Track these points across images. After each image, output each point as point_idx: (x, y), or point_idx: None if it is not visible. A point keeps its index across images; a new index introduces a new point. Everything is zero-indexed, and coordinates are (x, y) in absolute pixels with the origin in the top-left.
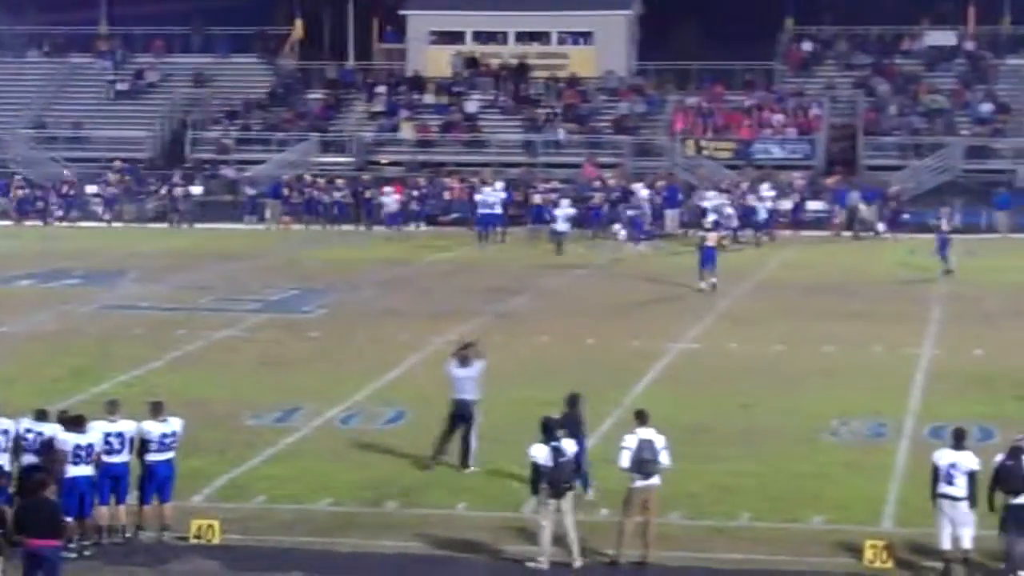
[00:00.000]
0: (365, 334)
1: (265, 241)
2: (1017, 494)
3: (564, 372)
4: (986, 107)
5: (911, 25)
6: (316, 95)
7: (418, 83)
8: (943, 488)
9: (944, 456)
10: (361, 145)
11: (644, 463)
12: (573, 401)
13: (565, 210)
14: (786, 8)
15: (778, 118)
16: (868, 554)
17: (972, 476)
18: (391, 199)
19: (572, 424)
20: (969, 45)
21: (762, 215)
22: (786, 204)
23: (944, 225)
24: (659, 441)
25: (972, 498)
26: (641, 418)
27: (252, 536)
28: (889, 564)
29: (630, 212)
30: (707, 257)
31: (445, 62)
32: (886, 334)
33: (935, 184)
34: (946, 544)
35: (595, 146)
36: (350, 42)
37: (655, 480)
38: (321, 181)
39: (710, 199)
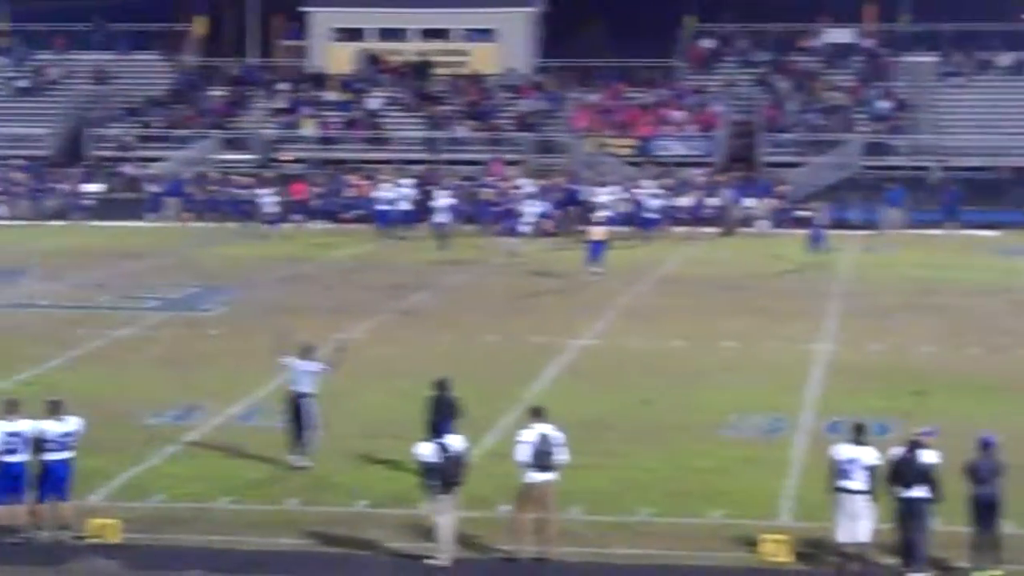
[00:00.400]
0: (266, 332)
1: (166, 239)
2: (910, 487)
3: (465, 369)
4: (884, 104)
5: (810, 23)
6: (218, 92)
7: (320, 80)
8: (841, 482)
9: (842, 450)
10: (263, 142)
11: (543, 457)
12: (442, 385)
13: (444, 201)
14: (687, 6)
15: (679, 115)
16: (765, 549)
17: (871, 470)
18: (269, 199)
19: (446, 407)
20: (867, 42)
21: (652, 212)
22: (684, 201)
23: (818, 220)
24: (556, 437)
25: (871, 492)
26: (537, 414)
27: (152, 535)
28: (787, 558)
29: (508, 208)
30: (595, 251)
31: (347, 59)
32: (784, 330)
33: (834, 180)
34: (842, 537)
35: (497, 143)
36: (252, 39)
37: (552, 475)
38: (248, 179)
39: (601, 195)
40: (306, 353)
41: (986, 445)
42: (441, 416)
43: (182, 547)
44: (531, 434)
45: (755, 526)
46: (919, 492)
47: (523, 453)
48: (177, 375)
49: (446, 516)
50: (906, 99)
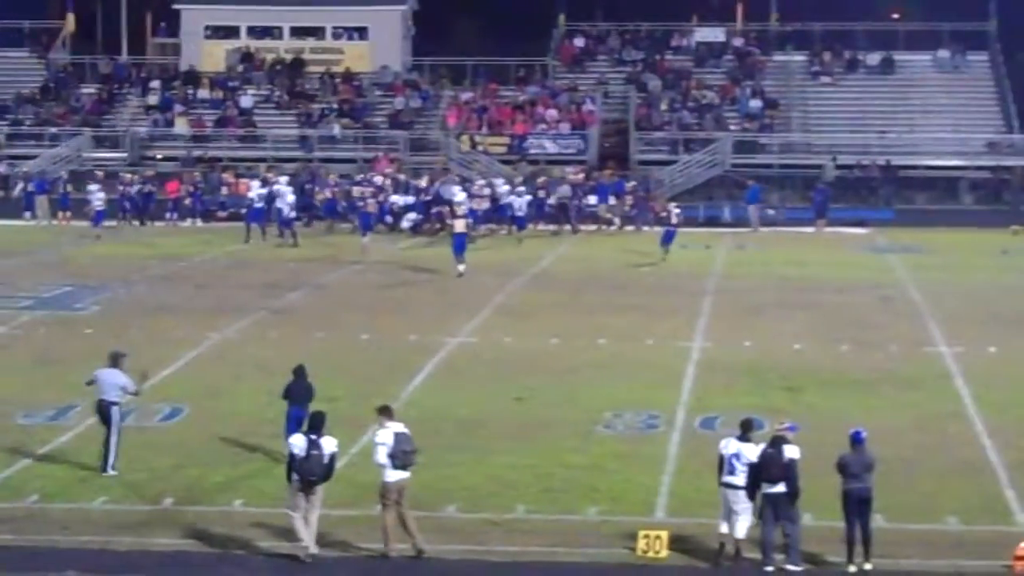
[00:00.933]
0: (140, 331)
1: (37, 237)
2: (775, 482)
3: (341, 367)
4: (754, 103)
5: (681, 22)
6: (89, 89)
7: (192, 78)
8: (725, 477)
9: (730, 446)
10: (135, 140)
11: (405, 455)
12: (299, 372)
13: (287, 198)
14: (558, 4)
15: (551, 113)
16: (642, 544)
17: (753, 467)
18: (97, 197)
19: (303, 391)
20: (737, 42)
21: (519, 211)
22: (553, 199)
23: (673, 219)
24: (409, 434)
25: (749, 488)
26: (387, 413)
27: (25, 536)
28: (663, 553)
29: (359, 204)
30: (458, 244)
31: (220, 57)
32: (658, 327)
33: (705, 179)
34: (724, 528)
35: (370, 141)
36: (123, 36)
37: (409, 472)
38: (135, 177)
39: (460, 192)
40: (114, 361)
41: (856, 440)
42: (297, 400)
43: (57, 548)
44: (387, 434)
45: (632, 522)
46: (784, 487)
47: (381, 454)
48: (51, 375)
49: (307, 511)
50: (776, 98)
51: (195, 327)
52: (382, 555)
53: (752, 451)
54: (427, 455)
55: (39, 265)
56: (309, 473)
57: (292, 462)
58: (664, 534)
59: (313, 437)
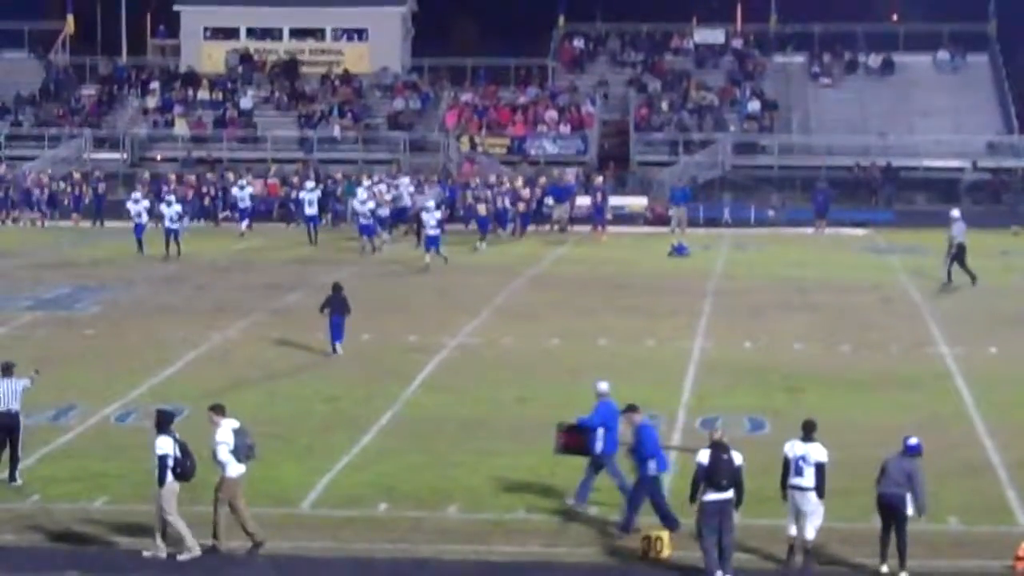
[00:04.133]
0: (141, 331)
1: (38, 238)
2: (725, 489)
3: (341, 368)
4: (754, 104)
5: (681, 23)
6: (89, 91)
7: (192, 79)
8: (793, 479)
9: (795, 448)
10: (135, 141)
11: (249, 448)
12: (337, 287)
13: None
14: (558, 6)
15: (551, 114)
16: (643, 544)
17: (820, 467)
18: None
19: (340, 302)
20: (737, 43)
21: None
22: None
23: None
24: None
25: (819, 489)
26: (218, 410)
27: (26, 536)
28: (664, 554)
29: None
30: (429, 241)
31: (219, 58)
32: (659, 328)
33: (705, 180)
34: (792, 531)
35: (370, 142)
36: (123, 38)
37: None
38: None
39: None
40: (5, 371)
41: (908, 449)
42: (334, 311)
43: (58, 548)
44: (225, 432)
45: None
46: (731, 494)
47: (223, 451)
48: (51, 375)
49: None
50: (776, 99)
51: (195, 327)
52: (212, 547)
53: (818, 451)
54: (428, 455)
55: (39, 266)
56: (189, 471)
57: (174, 465)
58: (665, 534)
59: (178, 438)
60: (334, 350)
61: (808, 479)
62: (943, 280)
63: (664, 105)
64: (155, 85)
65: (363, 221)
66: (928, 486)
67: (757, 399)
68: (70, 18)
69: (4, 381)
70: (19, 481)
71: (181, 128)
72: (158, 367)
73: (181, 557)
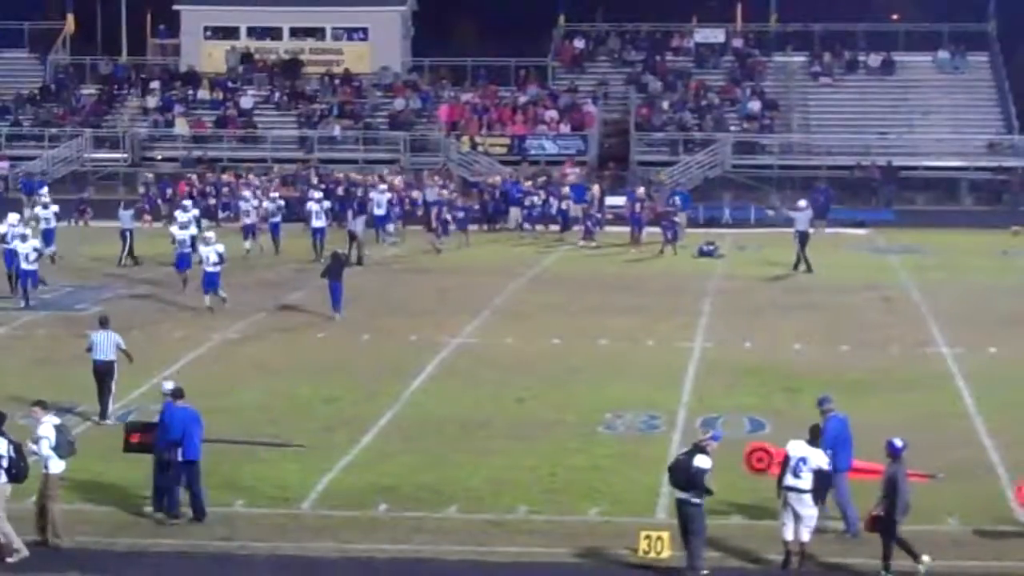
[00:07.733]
0: (142, 331)
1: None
2: (685, 490)
3: (341, 368)
4: (754, 104)
5: (681, 22)
6: (89, 90)
7: (192, 79)
8: (788, 480)
9: (797, 448)
10: (135, 141)
11: (70, 445)
12: (335, 256)
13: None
14: (558, 5)
15: (552, 114)
16: (643, 545)
17: (819, 473)
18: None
19: (338, 268)
20: (737, 42)
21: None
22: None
23: (676, 217)
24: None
25: (816, 493)
26: (41, 405)
27: (26, 536)
28: (664, 554)
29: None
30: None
31: (220, 58)
32: (659, 328)
33: (705, 179)
34: (788, 535)
35: (371, 142)
36: (123, 37)
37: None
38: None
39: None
40: (103, 324)
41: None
42: (334, 276)
43: (57, 548)
44: (47, 428)
45: (633, 523)
46: (689, 495)
47: (45, 446)
48: (52, 375)
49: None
50: (776, 99)
51: (196, 328)
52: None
53: (819, 457)
54: (428, 456)
55: (40, 265)
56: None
57: (8, 466)
58: (665, 535)
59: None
60: (337, 312)
61: (805, 482)
62: (803, 269)
63: (664, 104)
64: (155, 85)
65: (377, 212)
66: (926, 486)
67: (757, 399)
68: (70, 17)
69: (102, 332)
70: (110, 420)
71: (181, 128)
72: (159, 366)
73: (10, 559)
